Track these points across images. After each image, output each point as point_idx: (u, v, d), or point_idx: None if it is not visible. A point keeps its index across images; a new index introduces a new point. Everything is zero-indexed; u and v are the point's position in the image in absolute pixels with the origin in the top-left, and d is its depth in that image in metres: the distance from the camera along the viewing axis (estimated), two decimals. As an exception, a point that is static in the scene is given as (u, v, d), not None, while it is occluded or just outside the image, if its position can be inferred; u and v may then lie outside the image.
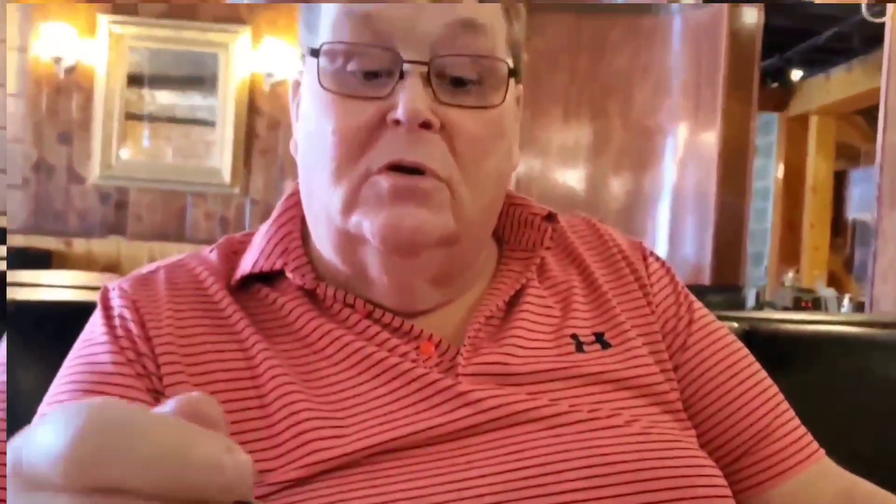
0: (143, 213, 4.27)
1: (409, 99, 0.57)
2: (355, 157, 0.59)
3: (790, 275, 5.37)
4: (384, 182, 0.58)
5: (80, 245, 4.19)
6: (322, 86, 0.60)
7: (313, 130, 0.62)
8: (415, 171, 0.58)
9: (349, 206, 0.60)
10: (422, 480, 0.54)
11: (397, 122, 0.58)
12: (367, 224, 0.59)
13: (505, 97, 0.62)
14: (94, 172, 4.22)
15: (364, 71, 0.60)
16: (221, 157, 4.27)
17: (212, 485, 0.26)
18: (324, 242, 0.65)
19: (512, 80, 0.64)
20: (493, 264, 0.70)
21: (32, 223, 4.19)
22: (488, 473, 0.55)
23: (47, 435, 0.26)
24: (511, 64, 0.63)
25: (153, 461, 0.25)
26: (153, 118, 4.27)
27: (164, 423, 0.27)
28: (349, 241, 0.62)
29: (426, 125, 0.58)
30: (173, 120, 4.30)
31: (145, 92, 4.26)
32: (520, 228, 0.71)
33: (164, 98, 4.29)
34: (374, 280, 0.63)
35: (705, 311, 0.72)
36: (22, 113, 4.17)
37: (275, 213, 0.70)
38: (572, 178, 4.47)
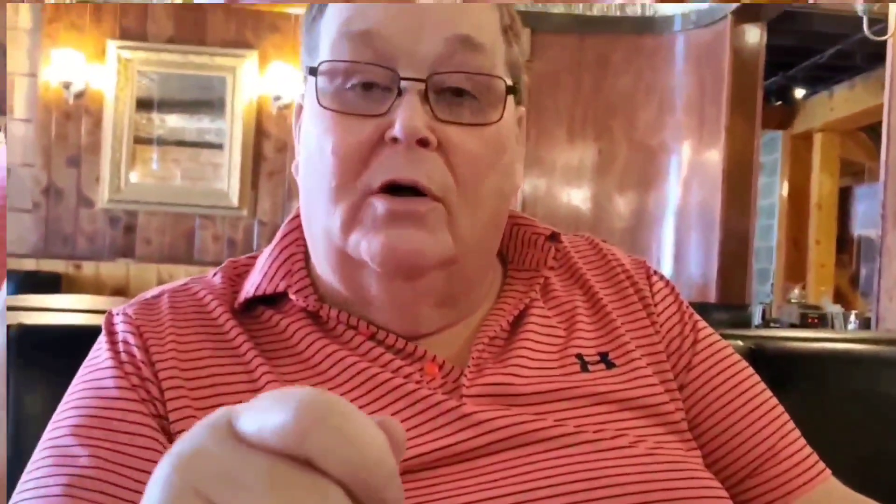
0: (152, 236, 4.28)
1: (406, 116, 0.58)
2: (354, 175, 0.60)
3: (796, 291, 5.36)
4: (380, 206, 0.59)
5: (89, 268, 4.20)
6: (321, 105, 0.61)
7: (313, 150, 0.62)
8: (411, 189, 0.59)
9: (348, 225, 0.60)
10: (437, 503, 0.54)
11: (395, 140, 0.58)
12: (364, 245, 0.59)
13: (503, 115, 0.62)
14: (103, 196, 4.24)
15: (362, 83, 0.60)
16: (229, 179, 4.29)
17: (384, 495, 0.29)
18: (324, 265, 0.65)
19: (511, 100, 0.64)
20: (497, 285, 0.70)
21: (42, 247, 4.22)
22: (497, 496, 0.55)
23: (271, 403, 0.29)
24: (510, 82, 0.63)
25: (355, 452, 0.28)
26: (162, 141, 4.30)
27: (373, 427, 0.29)
28: (349, 263, 0.62)
29: (423, 143, 0.58)
30: (182, 143, 4.33)
31: (154, 115, 4.29)
32: (523, 248, 0.71)
33: (173, 121, 4.32)
34: (374, 303, 0.63)
35: (710, 330, 0.72)
36: (31, 138, 4.20)
37: (278, 236, 0.70)
38: (577, 197, 4.48)
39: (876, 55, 3.61)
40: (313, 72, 0.62)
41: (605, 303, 0.69)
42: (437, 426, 0.58)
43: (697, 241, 4.22)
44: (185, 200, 4.29)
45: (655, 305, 0.70)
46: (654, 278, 0.73)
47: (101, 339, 0.63)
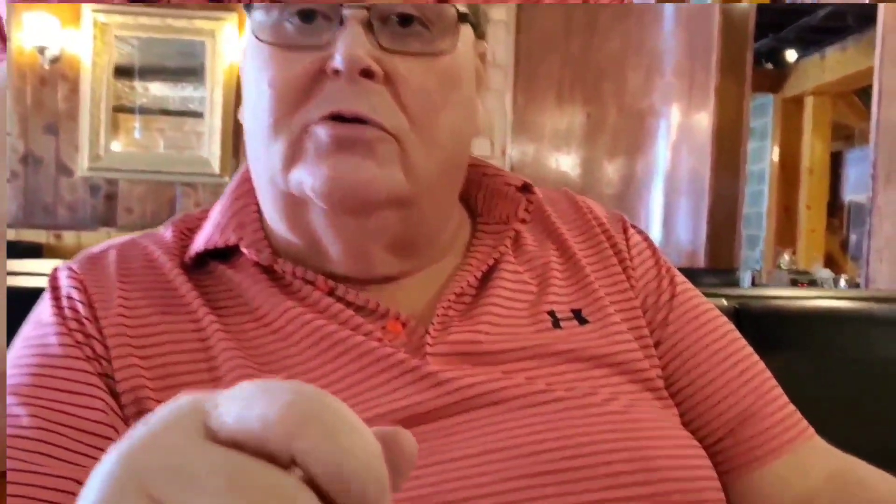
0: (134, 205, 4.24)
1: (347, 45, 0.53)
2: (293, 109, 0.56)
3: (786, 257, 5.36)
4: (323, 132, 0.54)
5: (70, 238, 4.15)
6: (258, 38, 0.57)
7: (252, 87, 0.59)
8: (356, 122, 0.55)
9: (289, 161, 0.56)
10: None
11: (336, 73, 0.54)
12: (307, 181, 0.55)
13: (456, 45, 0.58)
14: (82, 164, 4.19)
15: (301, 13, 0.56)
16: (210, 146, 4.24)
17: (372, 498, 0.26)
18: (271, 211, 0.62)
19: (469, 32, 0.60)
20: (465, 238, 0.67)
21: (21, 217, 4.16)
22: (465, 455, 0.52)
23: (257, 392, 0.26)
24: (463, 9, 0.59)
25: (346, 457, 0.25)
26: (145, 110, 4.24)
27: (369, 435, 0.27)
28: (294, 205, 0.59)
29: (367, 74, 0.54)
30: (167, 112, 4.27)
31: (137, 83, 4.23)
32: (493, 200, 0.68)
33: (156, 89, 4.26)
34: (327, 249, 0.60)
35: (688, 285, 0.69)
36: (7, 105, 4.12)
37: (231, 186, 0.67)
38: (566, 163, 4.45)
39: (868, 16, 3.56)
40: (248, 6, 0.58)
41: (580, 257, 0.67)
42: (399, 386, 0.55)
43: (686, 207, 4.20)
44: (166, 168, 4.24)
45: (631, 260, 0.68)
46: (631, 232, 0.70)
47: (45, 295, 0.60)
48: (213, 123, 4.22)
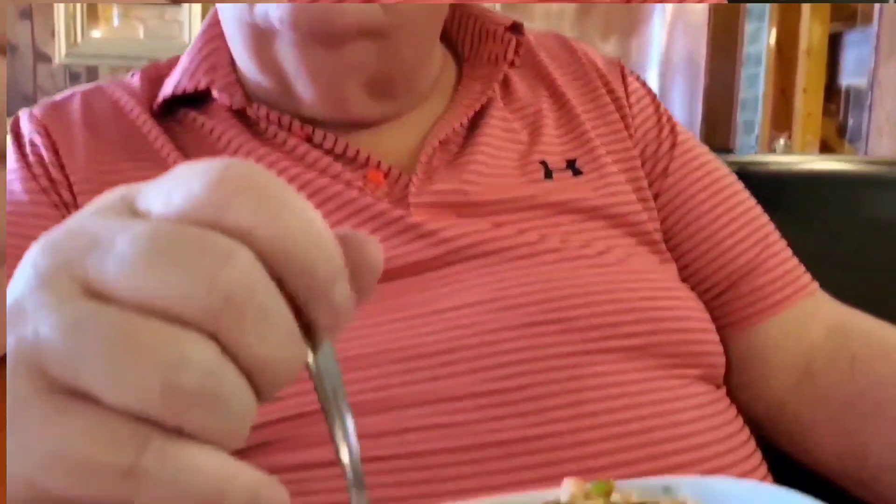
0: (115, 94, 4.15)
1: None
2: None
3: (781, 142, 5.30)
4: None
5: (51, 129, 4.08)
6: None
7: None
8: None
9: None
10: (380, 316, 0.49)
11: None
12: (273, 9, 0.51)
13: None
14: (60, 51, 4.06)
15: None
16: (191, 34, 4.12)
17: (329, 293, 0.24)
18: (240, 51, 0.58)
19: None
20: (450, 83, 0.63)
21: (0, 107, 4.07)
22: (453, 307, 0.49)
23: (188, 172, 0.24)
24: None
25: (291, 226, 0.23)
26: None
27: (315, 212, 0.24)
28: (262, 40, 0.55)
29: None
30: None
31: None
32: (480, 42, 0.63)
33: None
34: (299, 89, 0.56)
35: (689, 135, 0.65)
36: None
37: (200, 31, 0.62)
38: (559, 45, 4.32)
39: None
40: None
41: (574, 105, 0.63)
42: (381, 238, 0.52)
43: (682, 89, 4.12)
44: (147, 56, 4.14)
45: (630, 108, 0.64)
46: (630, 79, 0.66)
47: (8, 143, 0.57)
48: (193, 11, 4.09)
